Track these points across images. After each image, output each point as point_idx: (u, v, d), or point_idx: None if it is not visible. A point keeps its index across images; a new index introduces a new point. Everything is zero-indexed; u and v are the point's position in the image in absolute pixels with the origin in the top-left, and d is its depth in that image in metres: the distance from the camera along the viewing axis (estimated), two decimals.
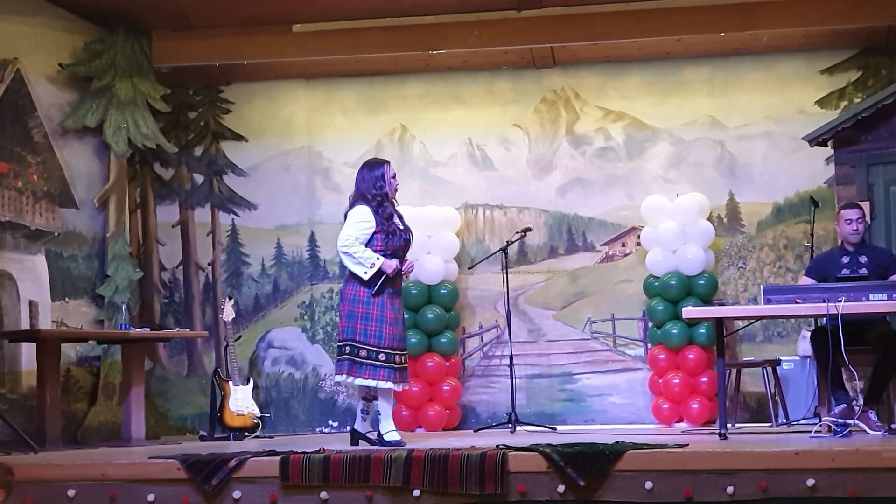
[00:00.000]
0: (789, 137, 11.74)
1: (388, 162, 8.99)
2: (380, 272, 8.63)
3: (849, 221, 9.31)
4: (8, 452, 8.89)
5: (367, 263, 8.62)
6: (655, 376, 11.56)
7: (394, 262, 8.67)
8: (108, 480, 7.67)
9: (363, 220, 8.72)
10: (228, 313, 11.54)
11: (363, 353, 8.66)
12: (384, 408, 8.86)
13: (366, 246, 8.66)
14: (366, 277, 8.64)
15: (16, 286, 10.98)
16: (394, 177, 8.88)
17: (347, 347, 8.69)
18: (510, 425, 10.67)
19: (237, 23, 11.80)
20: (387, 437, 8.73)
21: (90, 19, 11.77)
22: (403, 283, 9.21)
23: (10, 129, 10.99)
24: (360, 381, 8.70)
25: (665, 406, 11.38)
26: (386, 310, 8.70)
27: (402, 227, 8.84)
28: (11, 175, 10.93)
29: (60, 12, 11.51)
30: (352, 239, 8.67)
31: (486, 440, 8.73)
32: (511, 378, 10.87)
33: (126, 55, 11.83)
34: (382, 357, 8.67)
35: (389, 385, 8.69)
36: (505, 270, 11.10)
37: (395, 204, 8.94)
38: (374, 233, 8.69)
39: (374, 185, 8.79)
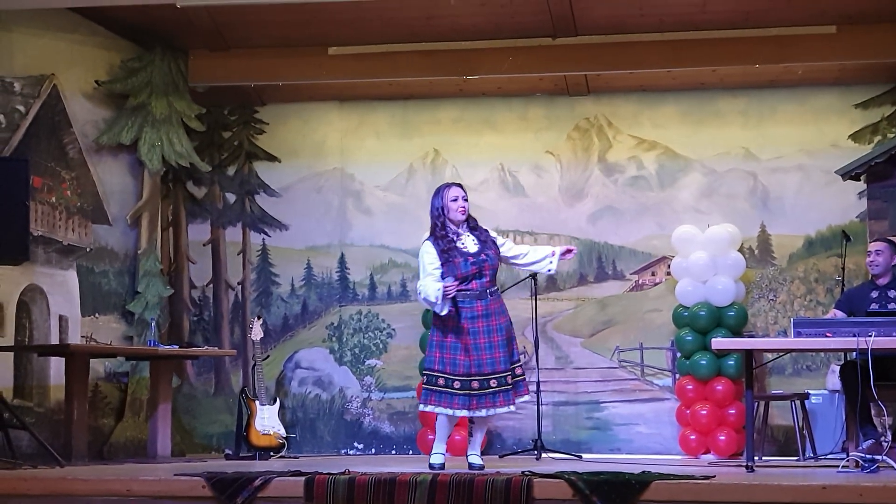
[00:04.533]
0: (822, 171, 11.71)
1: (451, 184, 8.90)
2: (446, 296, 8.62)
3: (868, 253, 9.38)
4: (34, 466, 8.93)
5: (434, 299, 8.59)
6: (683, 407, 11.52)
7: (449, 283, 8.59)
8: (134, 496, 7.67)
9: (426, 254, 8.76)
10: (257, 332, 11.55)
11: (441, 381, 8.69)
12: (437, 430, 8.93)
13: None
14: (443, 313, 8.63)
15: (46, 300, 11.03)
16: (457, 199, 8.75)
17: (426, 377, 8.77)
18: (535, 452, 10.66)
19: (273, 44, 11.86)
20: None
21: (127, 37, 11.84)
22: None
23: (46, 144, 11.05)
24: (429, 409, 8.76)
25: (692, 437, 11.34)
26: (464, 335, 8.66)
27: (471, 252, 8.72)
28: (45, 190, 10.99)
29: (98, 29, 11.58)
30: (421, 286, 8.72)
31: (512, 466, 8.71)
32: (537, 405, 10.86)
33: (162, 73, 11.89)
34: (452, 387, 8.66)
35: (466, 413, 8.69)
36: (534, 297, 11.11)
37: (466, 225, 8.81)
38: (442, 265, 8.70)
39: (434, 216, 8.79)
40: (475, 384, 8.62)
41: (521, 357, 11.67)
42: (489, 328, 8.67)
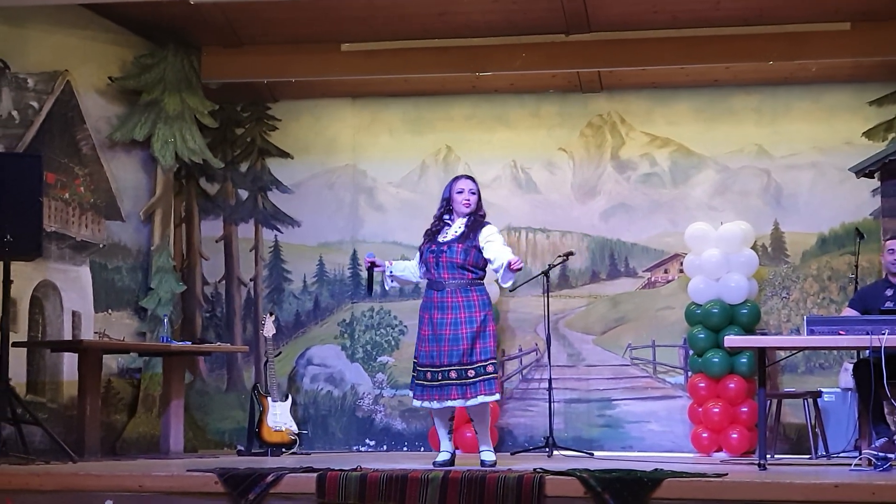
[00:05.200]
0: (836, 168, 11.69)
1: (460, 177, 8.97)
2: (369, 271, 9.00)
3: (891, 251, 9.31)
4: (47, 461, 8.93)
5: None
6: (695, 405, 11.51)
7: (369, 256, 9.00)
8: (146, 492, 7.69)
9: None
10: (269, 329, 11.55)
11: (424, 374, 8.75)
12: (437, 427, 8.94)
13: None
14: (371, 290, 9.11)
15: (59, 296, 11.06)
16: (462, 191, 8.78)
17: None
18: (547, 449, 10.65)
19: (286, 40, 11.86)
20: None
21: (140, 33, 11.86)
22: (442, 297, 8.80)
23: (59, 140, 11.07)
24: (415, 403, 8.85)
25: (704, 435, 11.32)
26: (423, 325, 8.74)
27: (440, 241, 8.75)
28: (58, 186, 11.01)
29: (111, 26, 11.60)
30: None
31: (523, 463, 8.71)
32: (549, 402, 10.86)
33: (175, 70, 11.90)
34: (414, 374, 8.72)
35: (416, 403, 8.73)
36: (546, 294, 11.09)
37: (469, 217, 8.80)
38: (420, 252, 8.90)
39: (439, 205, 8.87)
40: (428, 375, 8.66)
41: (534, 356, 11.70)
42: (443, 321, 8.65)
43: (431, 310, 8.71)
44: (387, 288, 9.25)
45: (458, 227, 8.78)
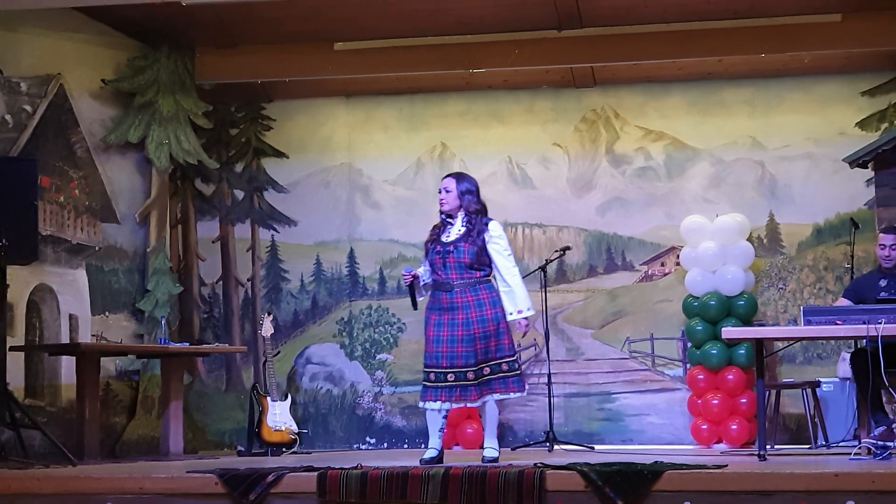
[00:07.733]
0: (830, 159, 11.70)
1: (446, 175, 8.81)
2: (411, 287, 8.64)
3: (882, 247, 9.29)
4: (47, 465, 8.93)
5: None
6: (694, 397, 11.52)
7: (406, 271, 8.64)
8: (146, 494, 7.68)
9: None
10: (267, 329, 11.54)
11: (428, 375, 8.58)
12: (430, 424, 8.79)
13: None
14: (417, 299, 8.69)
15: (56, 300, 11.06)
16: (440, 191, 8.63)
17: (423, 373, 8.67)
18: (548, 444, 10.66)
19: (279, 40, 11.86)
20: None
21: (133, 35, 11.86)
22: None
23: (53, 143, 11.08)
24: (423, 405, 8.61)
25: (704, 427, 11.34)
26: (430, 326, 8.56)
27: (444, 241, 8.59)
28: (53, 189, 11.02)
29: (103, 28, 11.60)
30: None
31: (524, 458, 8.71)
32: (549, 396, 10.87)
33: (169, 71, 11.90)
34: (432, 377, 8.57)
35: (428, 405, 8.56)
36: (544, 289, 11.09)
37: (465, 214, 8.59)
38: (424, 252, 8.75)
39: None
40: (431, 376, 8.48)
41: (533, 351, 11.68)
42: (453, 321, 8.46)
43: (441, 311, 8.52)
44: (424, 295, 8.84)
45: (459, 225, 8.64)
